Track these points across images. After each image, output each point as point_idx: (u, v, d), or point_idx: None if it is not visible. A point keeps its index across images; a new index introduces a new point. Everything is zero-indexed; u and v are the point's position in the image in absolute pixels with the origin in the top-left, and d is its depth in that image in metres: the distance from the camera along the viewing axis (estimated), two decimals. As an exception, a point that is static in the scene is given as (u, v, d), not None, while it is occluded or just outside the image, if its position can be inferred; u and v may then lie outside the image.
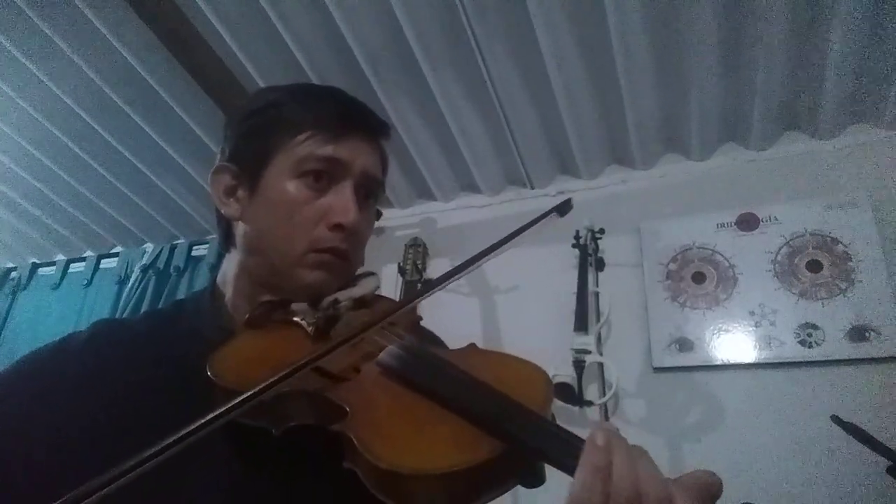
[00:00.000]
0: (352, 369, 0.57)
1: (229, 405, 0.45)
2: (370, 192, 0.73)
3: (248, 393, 0.46)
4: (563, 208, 0.69)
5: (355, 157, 0.69)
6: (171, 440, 0.41)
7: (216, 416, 0.44)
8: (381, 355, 0.58)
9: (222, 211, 0.71)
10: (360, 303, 0.69)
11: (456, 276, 0.63)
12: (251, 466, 0.57)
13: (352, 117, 0.71)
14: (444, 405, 0.51)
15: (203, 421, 0.43)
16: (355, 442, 0.47)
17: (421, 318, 0.76)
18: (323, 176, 0.67)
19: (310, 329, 0.63)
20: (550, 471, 0.48)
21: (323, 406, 0.52)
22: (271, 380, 0.47)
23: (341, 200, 0.67)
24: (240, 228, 0.71)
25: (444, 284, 0.62)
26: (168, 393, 0.60)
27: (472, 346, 0.66)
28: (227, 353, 0.58)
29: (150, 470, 0.40)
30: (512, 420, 0.48)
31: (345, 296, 0.67)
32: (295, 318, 0.65)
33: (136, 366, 0.64)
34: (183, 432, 0.42)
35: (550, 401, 0.54)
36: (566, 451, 0.44)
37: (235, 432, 0.51)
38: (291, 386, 0.50)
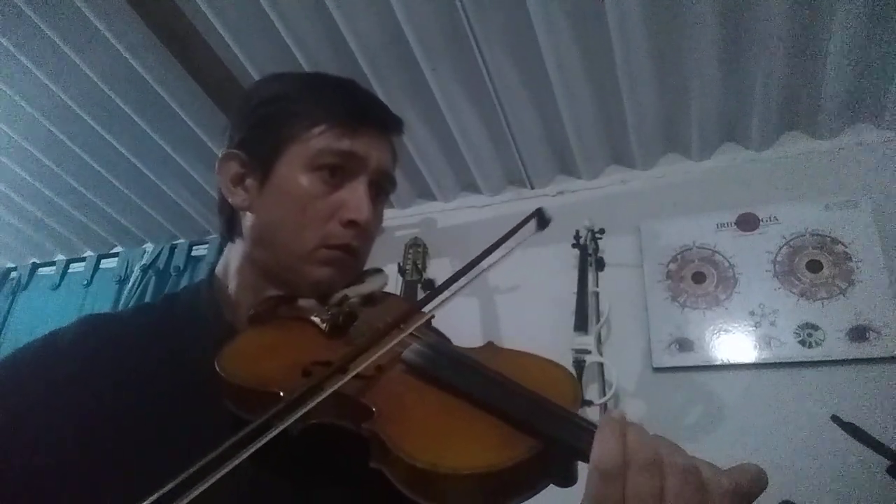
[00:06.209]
0: (374, 368, 0.55)
1: (273, 412, 0.46)
2: (382, 189, 0.71)
3: (295, 396, 0.47)
4: (543, 222, 0.68)
5: (371, 151, 0.67)
6: (231, 442, 0.42)
7: (265, 421, 0.45)
8: (406, 353, 0.57)
9: (229, 200, 0.69)
10: (369, 299, 0.68)
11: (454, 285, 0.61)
12: (266, 467, 0.54)
13: (368, 111, 0.69)
14: (474, 403, 0.50)
15: (254, 426, 0.44)
16: (386, 441, 0.45)
17: (433, 317, 0.74)
18: (338, 171, 0.65)
19: (324, 326, 0.62)
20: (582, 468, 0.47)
21: (347, 407, 0.51)
22: (330, 385, 0.47)
23: (355, 197, 0.65)
24: (247, 219, 0.68)
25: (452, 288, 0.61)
26: (166, 386, 0.59)
27: (491, 344, 0.64)
28: (238, 350, 0.56)
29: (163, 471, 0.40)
30: (548, 418, 0.47)
31: (353, 292, 0.65)
32: (310, 317, 0.63)
33: (130, 362, 0.62)
34: (239, 434, 0.43)
35: (579, 400, 0.53)
36: None
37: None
38: (323, 389, 0.49)
